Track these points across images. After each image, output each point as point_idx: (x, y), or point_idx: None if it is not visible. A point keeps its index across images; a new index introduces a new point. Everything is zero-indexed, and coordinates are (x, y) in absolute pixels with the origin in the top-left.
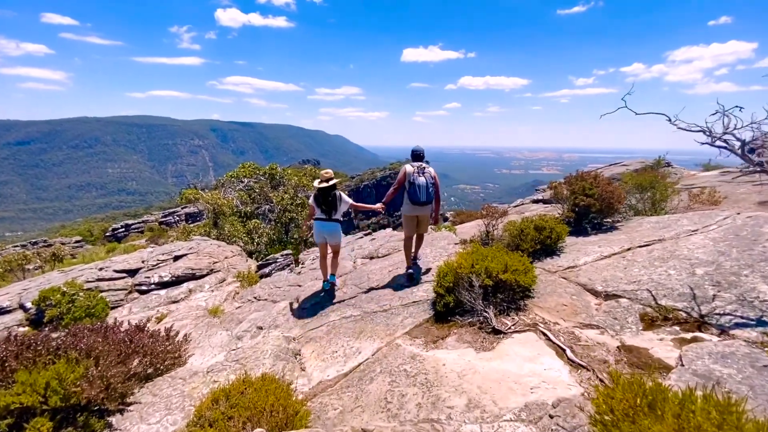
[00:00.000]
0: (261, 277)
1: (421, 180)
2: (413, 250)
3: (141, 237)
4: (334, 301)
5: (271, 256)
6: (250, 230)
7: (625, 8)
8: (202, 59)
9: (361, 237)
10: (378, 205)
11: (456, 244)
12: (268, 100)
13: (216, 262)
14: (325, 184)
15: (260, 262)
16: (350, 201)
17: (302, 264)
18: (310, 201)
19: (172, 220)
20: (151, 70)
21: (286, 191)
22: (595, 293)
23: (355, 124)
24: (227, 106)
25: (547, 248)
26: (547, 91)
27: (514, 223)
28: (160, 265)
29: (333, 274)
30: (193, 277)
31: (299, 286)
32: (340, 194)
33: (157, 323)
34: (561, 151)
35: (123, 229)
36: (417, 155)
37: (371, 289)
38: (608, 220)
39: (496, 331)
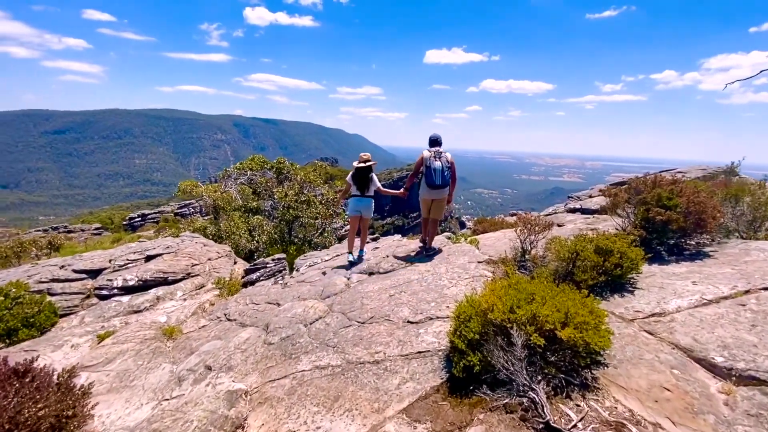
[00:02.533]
0: (245, 284)
1: (437, 164)
2: (427, 236)
3: (154, 227)
4: (312, 334)
5: (261, 260)
6: (253, 227)
7: (659, 14)
8: (229, 56)
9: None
10: (401, 191)
11: (480, 263)
12: (290, 98)
13: (195, 265)
14: (363, 165)
15: (248, 266)
16: (378, 185)
17: (296, 270)
18: (348, 179)
19: (187, 212)
20: (180, 66)
21: (291, 187)
22: (712, 368)
23: (374, 123)
24: (250, 102)
25: (615, 281)
26: (572, 97)
27: (562, 242)
28: (129, 265)
29: (362, 249)
30: (165, 282)
31: (278, 305)
32: (373, 176)
33: (98, 343)
34: (584, 158)
35: (139, 219)
36: (434, 141)
37: (362, 323)
38: (691, 242)
39: (552, 430)
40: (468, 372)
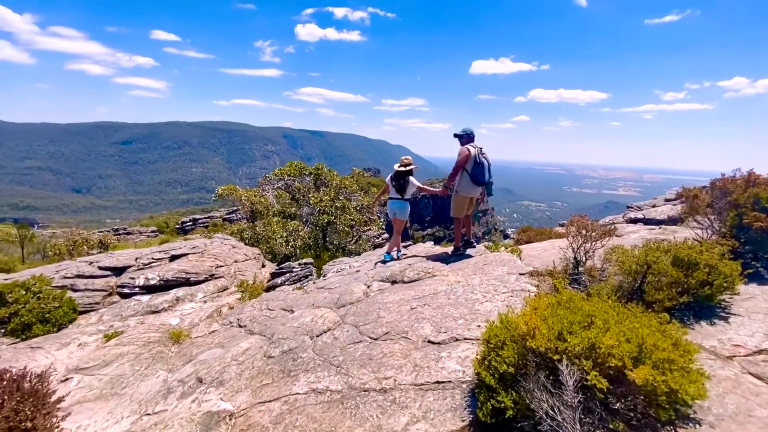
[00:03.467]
0: (269, 288)
1: (485, 161)
2: (465, 231)
3: (203, 231)
4: (316, 349)
5: (287, 264)
6: (290, 231)
7: (725, 17)
8: (280, 71)
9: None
10: (440, 189)
11: (522, 275)
12: (337, 110)
13: (220, 266)
14: (402, 169)
15: (274, 269)
16: (417, 183)
17: (323, 276)
18: (387, 179)
19: (235, 218)
20: (235, 81)
21: (326, 193)
22: None
23: (417, 134)
24: (299, 114)
25: (701, 303)
26: (628, 106)
27: (626, 251)
28: (153, 264)
29: (388, 253)
30: (186, 283)
31: (291, 312)
32: (410, 179)
33: (105, 342)
34: (641, 171)
35: (190, 223)
36: (472, 136)
37: (375, 339)
38: None
39: None
40: (498, 416)
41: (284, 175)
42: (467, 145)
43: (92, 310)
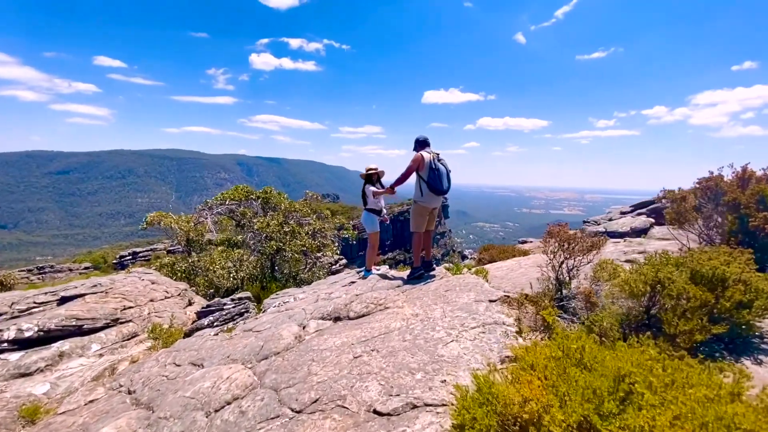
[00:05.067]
0: (193, 331)
1: (442, 167)
2: (425, 252)
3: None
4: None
5: (216, 300)
6: (234, 261)
7: (645, 54)
8: (235, 98)
9: (336, 281)
10: (389, 188)
11: (492, 302)
12: (293, 137)
13: (129, 308)
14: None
15: (201, 308)
16: (372, 189)
17: (264, 311)
18: None
19: (180, 249)
20: (186, 108)
21: (274, 217)
22: None
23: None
24: (254, 142)
25: (738, 331)
26: (567, 132)
27: (622, 268)
28: (34, 310)
29: (368, 270)
30: (78, 332)
31: (200, 366)
32: (368, 188)
33: None
34: (582, 191)
35: (130, 257)
36: (425, 142)
37: (299, 411)
38: None
39: None
40: None
41: (227, 200)
42: (421, 151)
43: None
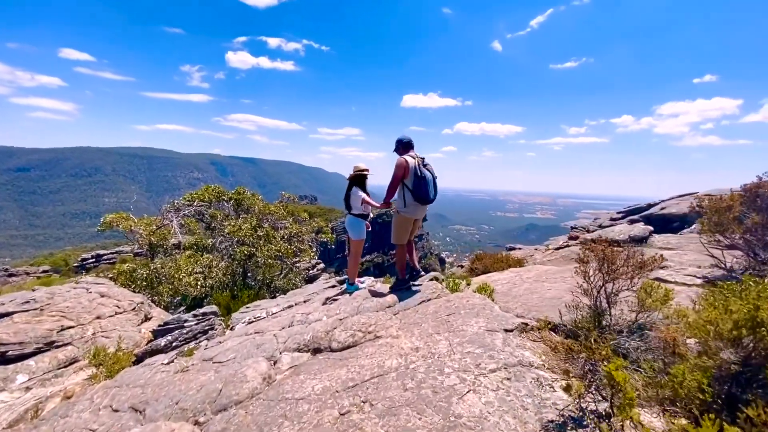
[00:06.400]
0: (143, 355)
1: (428, 174)
2: (411, 259)
3: (112, 268)
4: None
5: (176, 317)
6: (203, 267)
7: (614, 65)
8: (210, 97)
9: (315, 291)
10: (382, 203)
11: (509, 332)
12: (271, 137)
13: (68, 328)
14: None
15: (158, 326)
16: (361, 195)
17: (231, 327)
18: None
19: (143, 253)
20: (158, 105)
21: (246, 220)
22: None
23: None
24: (230, 141)
25: None
26: (541, 139)
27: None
28: None
29: (352, 283)
30: (2, 360)
31: (141, 413)
32: (354, 190)
33: None
34: (555, 196)
35: (93, 260)
36: (410, 144)
37: None
38: None
39: None
40: None
41: (195, 201)
42: (405, 156)
43: None
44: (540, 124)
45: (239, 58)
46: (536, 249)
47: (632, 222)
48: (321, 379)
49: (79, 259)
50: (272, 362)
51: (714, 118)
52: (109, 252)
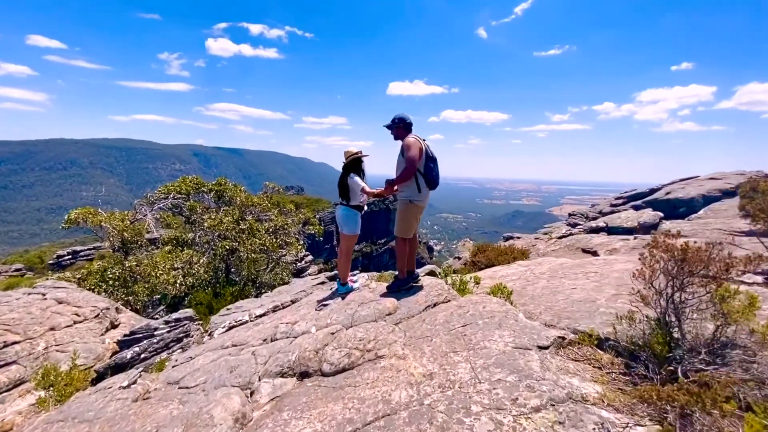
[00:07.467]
0: (105, 372)
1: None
2: (410, 257)
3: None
4: None
5: (145, 325)
6: (183, 264)
7: (596, 52)
8: (190, 86)
9: (303, 290)
10: (387, 188)
11: (543, 349)
12: (255, 127)
13: (14, 343)
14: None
15: (124, 336)
16: (360, 183)
17: (209, 333)
18: None
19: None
20: (136, 95)
21: (228, 213)
22: None
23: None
24: (213, 131)
25: None
26: (526, 126)
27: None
28: None
29: (344, 283)
30: None
31: None
32: (351, 178)
33: None
34: (540, 183)
35: (70, 257)
36: (411, 124)
37: None
38: None
39: None
40: None
41: (171, 193)
42: (411, 136)
43: None
44: (525, 112)
45: (220, 46)
46: (537, 238)
47: (637, 208)
48: (310, 419)
49: (55, 256)
50: (248, 392)
51: (690, 104)
52: (86, 248)
